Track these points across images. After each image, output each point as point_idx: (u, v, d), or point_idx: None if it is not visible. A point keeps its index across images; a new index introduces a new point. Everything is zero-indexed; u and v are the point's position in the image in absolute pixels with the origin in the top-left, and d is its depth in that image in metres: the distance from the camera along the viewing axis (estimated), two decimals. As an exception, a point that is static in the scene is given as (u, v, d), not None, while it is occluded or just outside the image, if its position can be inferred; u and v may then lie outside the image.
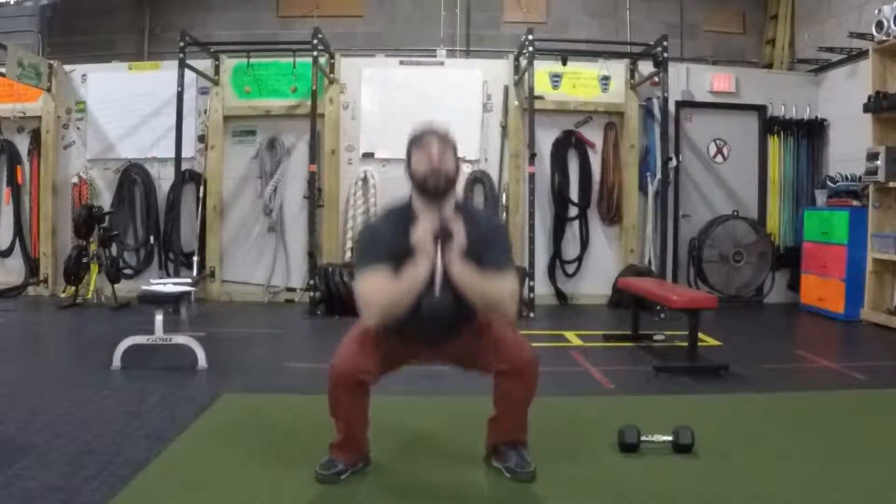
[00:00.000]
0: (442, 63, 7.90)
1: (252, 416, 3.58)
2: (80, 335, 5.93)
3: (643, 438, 3.03)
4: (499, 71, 7.70)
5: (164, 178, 7.74)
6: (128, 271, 7.61)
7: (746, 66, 8.47)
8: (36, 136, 7.82)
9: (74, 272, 6.98)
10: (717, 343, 5.49)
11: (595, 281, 7.70)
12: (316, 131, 7.04)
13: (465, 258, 2.55)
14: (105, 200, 7.72)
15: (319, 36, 6.93)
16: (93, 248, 7.08)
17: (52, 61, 7.73)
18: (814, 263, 7.17)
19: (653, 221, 7.62)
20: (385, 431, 3.16)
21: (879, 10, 6.22)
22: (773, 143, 7.89)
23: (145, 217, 7.77)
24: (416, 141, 2.68)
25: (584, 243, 7.76)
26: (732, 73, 7.98)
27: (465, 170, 7.55)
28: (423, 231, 2.54)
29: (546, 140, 7.59)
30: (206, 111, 7.73)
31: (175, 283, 5.15)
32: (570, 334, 5.84)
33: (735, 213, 7.72)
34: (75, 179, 7.73)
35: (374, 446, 2.89)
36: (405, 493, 2.65)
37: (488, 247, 2.61)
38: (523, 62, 7.22)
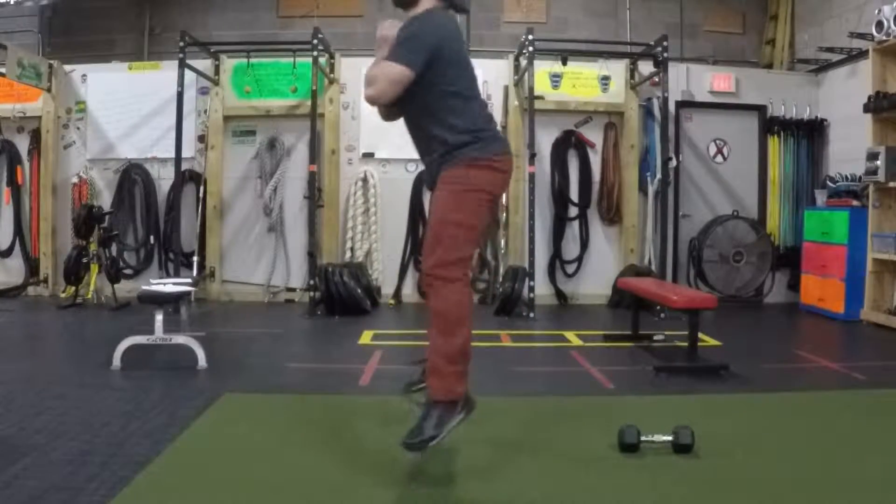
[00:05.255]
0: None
1: (252, 416, 3.58)
2: (80, 335, 5.93)
3: (643, 438, 3.03)
4: (499, 71, 7.70)
5: (164, 178, 7.74)
6: (128, 271, 7.61)
7: (746, 66, 8.47)
8: (36, 136, 7.82)
9: (74, 272, 6.98)
10: (717, 343, 5.49)
11: (595, 281, 7.71)
12: (316, 131, 7.04)
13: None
14: (105, 200, 7.73)
15: (319, 36, 6.93)
16: (93, 248, 7.08)
17: (52, 61, 7.73)
18: (814, 263, 7.17)
19: (653, 221, 7.62)
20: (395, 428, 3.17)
21: (879, 10, 6.22)
22: (773, 143, 7.89)
23: (145, 217, 7.78)
24: None
25: (584, 243, 7.76)
26: (732, 73, 7.98)
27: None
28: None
29: (546, 140, 7.60)
30: (206, 111, 7.73)
31: (175, 283, 5.15)
32: (570, 334, 5.84)
33: (735, 213, 7.72)
34: (75, 179, 7.74)
35: (377, 448, 2.86)
36: (405, 490, 2.65)
37: (397, 40, 2.69)
38: (523, 62, 7.22)
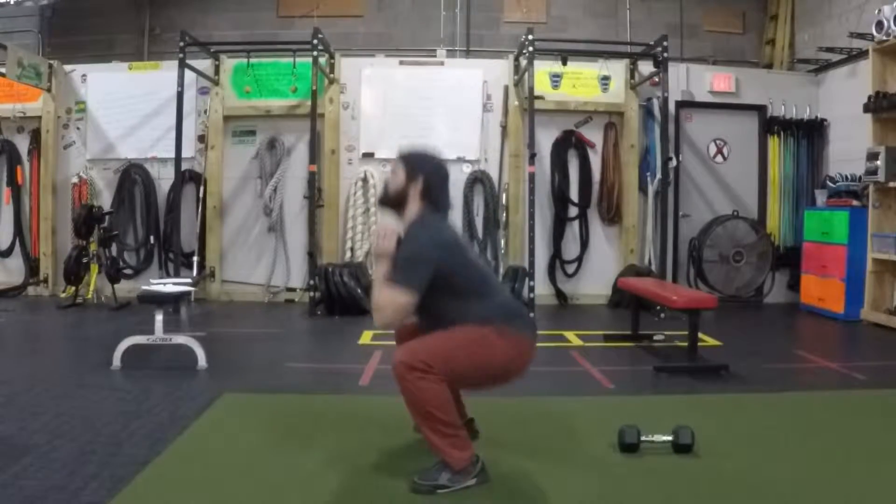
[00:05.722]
0: (442, 63, 7.90)
1: (252, 416, 3.58)
2: (80, 335, 5.93)
3: (643, 438, 3.03)
4: (499, 71, 7.70)
5: (164, 178, 7.74)
6: (128, 271, 7.61)
7: (746, 66, 8.48)
8: (36, 136, 7.82)
9: (74, 272, 6.98)
10: (717, 343, 5.49)
11: (595, 281, 7.70)
12: (316, 131, 7.04)
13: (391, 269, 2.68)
14: (105, 200, 7.73)
15: (319, 36, 6.93)
16: (93, 248, 7.08)
17: (52, 61, 7.73)
18: (814, 263, 7.17)
19: (653, 221, 7.62)
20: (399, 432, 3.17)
21: (879, 10, 6.22)
22: (773, 143, 7.89)
23: (145, 217, 7.78)
24: None
25: (584, 243, 7.76)
26: (732, 73, 7.98)
27: (465, 170, 7.57)
28: (374, 244, 2.82)
29: (546, 140, 7.59)
30: (206, 111, 7.73)
31: (175, 283, 5.14)
32: (570, 334, 5.85)
33: (735, 213, 7.72)
34: (75, 179, 7.74)
35: (377, 448, 2.87)
36: (405, 490, 2.65)
37: (398, 259, 2.70)
38: (523, 62, 7.22)
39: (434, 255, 2.66)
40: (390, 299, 2.59)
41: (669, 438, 3.03)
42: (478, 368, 2.68)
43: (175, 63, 7.11)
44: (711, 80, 7.85)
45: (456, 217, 7.35)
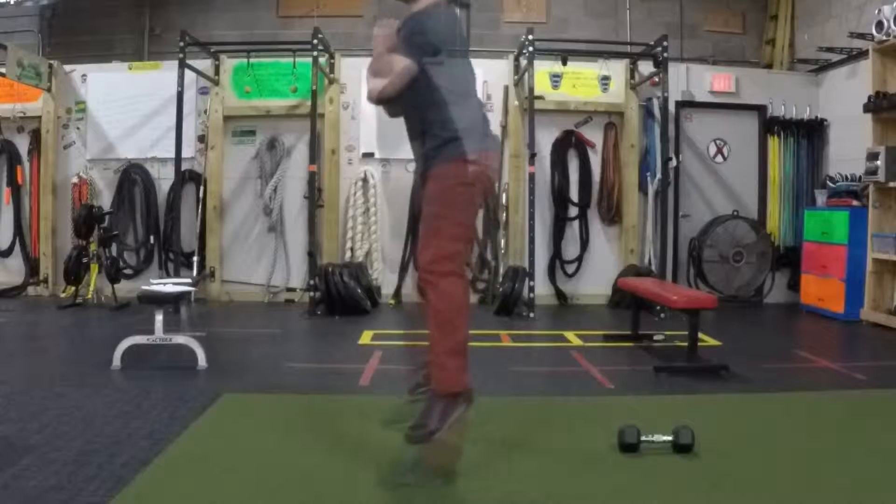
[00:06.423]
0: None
1: (252, 416, 3.58)
2: (80, 335, 5.93)
3: (643, 438, 3.03)
4: (499, 71, 7.70)
5: (164, 178, 7.74)
6: (128, 271, 7.61)
7: (746, 66, 8.47)
8: (36, 136, 7.82)
9: (74, 272, 6.98)
10: (717, 343, 5.49)
11: (595, 281, 7.71)
12: (316, 131, 7.04)
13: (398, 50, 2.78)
14: (105, 200, 7.73)
15: (319, 36, 6.93)
16: (93, 248, 7.07)
17: (52, 61, 7.73)
18: (814, 263, 7.17)
19: (653, 221, 7.62)
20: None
21: (879, 10, 6.22)
22: (773, 143, 7.89)
23: (145, 217, 7.78)
24: None
25: (584, 243, 7.76)
26: (732, 73, 7.98)
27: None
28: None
29: (546, 140, 7.59)
30: (206, 111, 7.73)
31: (175, 283, 5.15)
32: (570, 334, 5.84)
33: (735, 213, 7.72)
34: (75, 179, 7.74)
35: (377, 448, 2.86)
36: (405, 490, 2.65)
37: (403, 36, 2.81)
38: (523, 62, 7.22)
39: (436, 37, 2.81)
40: (390, 62, 2.71)
41: (669, 438, 3.02)
42: (474, 208, 2.88)
43: (175, 63, 7.11)
44: (711, 80, 7.85)
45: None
